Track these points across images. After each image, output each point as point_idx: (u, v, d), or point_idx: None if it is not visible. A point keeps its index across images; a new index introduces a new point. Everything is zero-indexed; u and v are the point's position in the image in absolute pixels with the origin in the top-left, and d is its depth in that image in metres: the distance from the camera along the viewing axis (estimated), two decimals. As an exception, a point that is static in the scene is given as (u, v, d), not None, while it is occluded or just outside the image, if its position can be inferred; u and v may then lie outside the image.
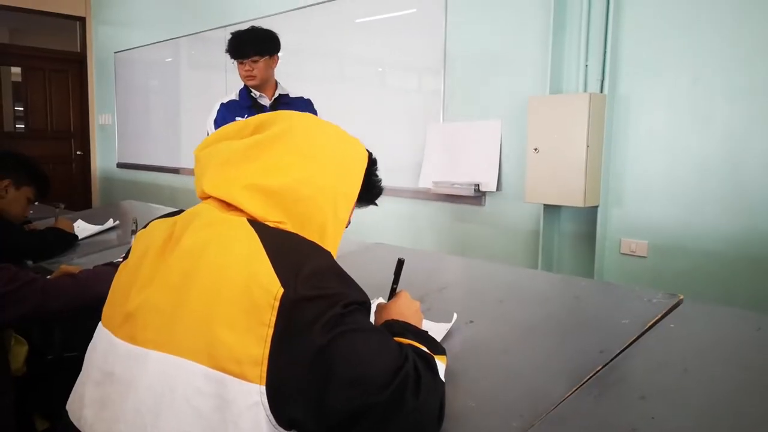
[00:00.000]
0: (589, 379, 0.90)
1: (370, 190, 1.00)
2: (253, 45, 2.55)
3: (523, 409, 0.83)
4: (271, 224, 0.82)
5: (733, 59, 2.46)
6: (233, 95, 2.73)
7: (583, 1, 2.85)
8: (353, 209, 0.97)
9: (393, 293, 1.07)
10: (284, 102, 2.65)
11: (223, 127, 0.94)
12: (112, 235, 2.40)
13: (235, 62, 2.59)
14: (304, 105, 2.70)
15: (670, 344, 1.05)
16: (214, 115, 2.68)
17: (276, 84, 2.71)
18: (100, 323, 0.85)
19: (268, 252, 0.74)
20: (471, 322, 1.15)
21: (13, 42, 6.74)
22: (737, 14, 2.43)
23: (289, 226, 0.83)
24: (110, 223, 2.48)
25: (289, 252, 0.77)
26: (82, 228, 2.38)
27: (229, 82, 4.74)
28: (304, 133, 0.89)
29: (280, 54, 4.73)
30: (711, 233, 2.58)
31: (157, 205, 3.25)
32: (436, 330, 1.09)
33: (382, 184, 1.03)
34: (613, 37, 2.76)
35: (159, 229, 0.87)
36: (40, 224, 2.22)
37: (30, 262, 1.95)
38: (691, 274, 2.64)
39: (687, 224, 2.64)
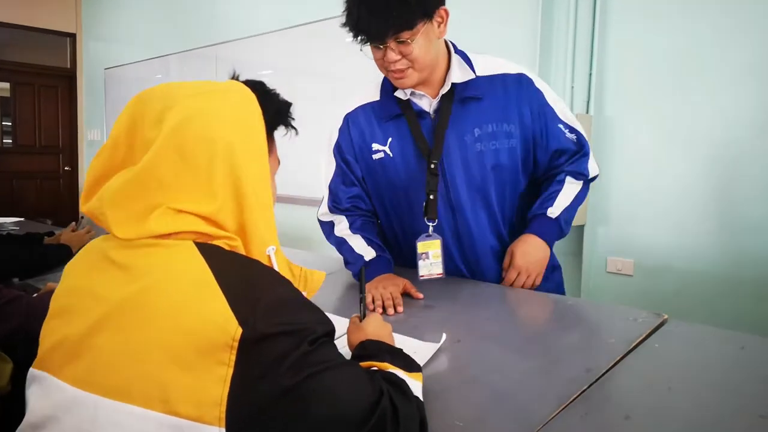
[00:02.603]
0: (576, 398, 0.91)
1: (275, 116, 0.89)
2: (396, 11, 1.29)
3: (511, 428, 0.84)
4: (221, 243, 0.76)
5: (718, 81, 2.51)
6: (371, 92, 1.59)
7: (569, 22, 2.90)
8: (273, 175, 0.90)
9: (362, 301, 1.10)
10: (465, 97, 1.49)
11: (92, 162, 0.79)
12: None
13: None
14: (512, 87, 1.51)
15: (654, 364, 1.06)
16: (334, 139, 1.65)
17: (448, 62, 1.49)
18: (36, 361, 0.78)
19: (222, 285, 0.69)
20: (458, 341, 1.15)
21: (3, 57, 6.73)
22: (722, 37, 2.49)
23: (237, 241, 0.78)
24: None
25: (245, 283, 0.71)
26: None
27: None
28: (187, 131, 0.75)
29: (269, 71, 4.66)
30: (696, 253, 2.61)
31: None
32: (425, 349, 1.09)
33: (281, 98, 0.92)
34: (598, 59, 2.81)
35: (93, 252, 0.80)
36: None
37: (16, 280, 1.94)
38: (677, 293, 2.66)
39: (673, 244, 2.68)
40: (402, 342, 1.12)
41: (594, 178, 1.62)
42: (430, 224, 1.52)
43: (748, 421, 0.84)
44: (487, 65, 1.52)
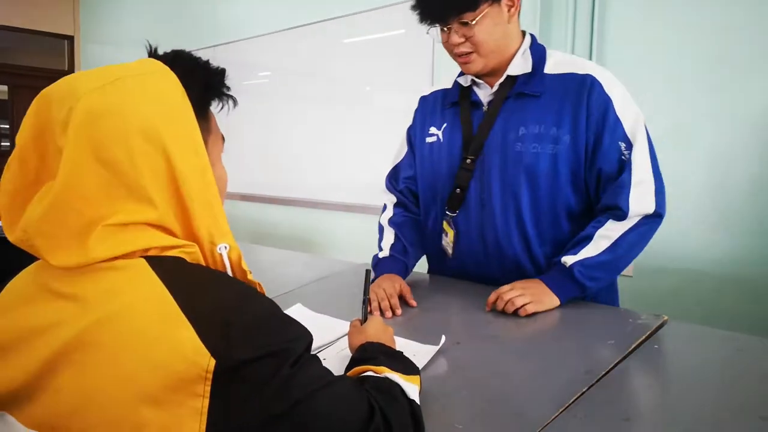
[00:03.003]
0: (575, 400, 0.91)
1: (204, 90, 0.77)
2: None
3: (510, 430, 0.83)
4: (178, 253, 0.69)
5: (716, 81, 2.51)
6: (450, 80, 1.57)
7: (567, 26, 2.91)
8: (219, 157, 0.82)
9: (365, 304, 1.10)
10: (522, 93, 1.41)
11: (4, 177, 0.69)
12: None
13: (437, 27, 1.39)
14: (573, 88, 1.37)
15: (654, 365, 1.06)
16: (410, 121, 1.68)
17: (516, 49, 1.42)
18: None
19: (185, 310, 0.62)
20: (458, 343, 1.15)
21: (1, 60, 6.73)
22: (721, 36, 2.49)
23: (194, 248, 0.71)
24: None
25: (212, 304, 0.64)
26: None
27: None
28: (97, 131, 0.65)
29: (267, 72, 4.65)
30: (696, 254, 2.61)
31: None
32: (424, 352, 1.09)
33: (211, 67, 0.80)
34: (597, 59, 2.81)
35: (28, 284, 0.71)
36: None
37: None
38: (676, 294, 2.66)
39: (672, 244, 2.67)
40: (401, 344, 1.12)
41: (651, 217, 1.36)
42: (449, 213, 1.51)
43: (747, 422, 0.84)
44: (559, 63, 1.41)
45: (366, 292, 1.13)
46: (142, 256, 0.67)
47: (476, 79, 1.46)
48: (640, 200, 1.33)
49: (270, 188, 4.42)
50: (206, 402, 0.60)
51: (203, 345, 0.60)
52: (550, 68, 1.41)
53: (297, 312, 1.36)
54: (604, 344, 1.13)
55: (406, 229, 1.62)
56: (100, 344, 0.62)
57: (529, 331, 1.25)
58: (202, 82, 0.76)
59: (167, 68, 0.73)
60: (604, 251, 1.32)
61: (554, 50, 1.46)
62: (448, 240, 1.54)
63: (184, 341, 0.60)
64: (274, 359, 0.63)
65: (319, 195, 4.06)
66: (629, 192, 1.32)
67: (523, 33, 1.46)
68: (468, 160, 1.45)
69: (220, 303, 0.65)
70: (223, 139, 0.83)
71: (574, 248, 1.35)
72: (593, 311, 1.33)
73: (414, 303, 1.41)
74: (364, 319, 1.07)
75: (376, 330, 1.00)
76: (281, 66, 4.28)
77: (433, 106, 1.59)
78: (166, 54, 0.78)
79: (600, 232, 1.33)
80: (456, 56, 1.40)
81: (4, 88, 6.69)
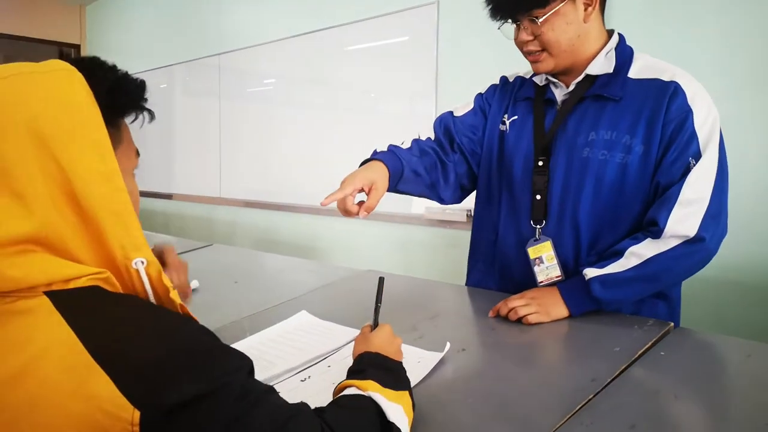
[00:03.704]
0: (581, 408, 0.90)
1: (118, 98, 0.71)
2: None
3: (515, 438, 0.83)
4: (84, 282, 0.61)
5: (721, 88, 2.51)
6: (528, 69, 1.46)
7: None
8: (131, 172, 0.75)
9: (377, 312, 1.09)
10: (599, 95, 1.32)
11: None
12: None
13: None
14: (653, 95, 1.27)
15: (660, 372, 1.05)
16: (482, 90, 1.60)
17: (596, 50, 1.33)
18: None
19: (98, 359, 0.55)
20: (463, 350, 1.15)
21: (8, 68, 6.78)
22: (727, 45, 2.48)
23: (106, 273, 0.63)
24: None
25: (127, 346, 0.57)
26: None
27: (223, 109, 4.77)
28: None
29: (272, 79, 4.67)
30: (701, 259, 2.59)
31: (150, 232, 3.23)
32: (428, 359, 1.09)
33: (130, 78, 0.74)
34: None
35: None
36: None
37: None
38: (683, 299, 2.64)
39: (677, 250, 2.66)
40: (405, 351, 1.11)
41: (692, 242, 1.23)
42: (537, 227, 1.38)
43: (754, 430, 0.83)
44: (646, 68, 1.32)
45: (378, 299, 1.12)
46: (45, 292, 0.59)
47: (551, 78, 1.39)
48: (682, 221, 1.21)
49: (274, 195, 4.43)
50: None
51: (122, 395, 0.54)
52: (634, 72, 1.32)
53: (302, 319, 1.36)
54: (609, 351, 1.12)
55: (426, 158, 1.49)
56: (9, 406, 0.55)
57: (534, 338, 1.24)
58: (112, 87, 0.70)
59: (74, 68, 0.67)
60: (630, 268, 1.24)
61: (643, 54, 1.37)
62: (543, 266, 1.37)
63: (100, 394, 0.54)
64: (211, 398, 0.57)
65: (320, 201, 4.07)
66: (672, 208, 1.21)
67: (611, 32, 1.37)
68: (540, 163, 1.37)
69: (136, 342, 0.58)
70: (138, 153, 0.77)
71: (604, 261, 1.28)
72: (599, 318, 1.33)
73: (365, 214, 1.30)
74: (375, 326, 1.06)
75: (382, 340, 0.97)
76: (285, 73, 4.30)
77: (510, 93, 1.50)
78: (78, 58, 0.71)
79: (633, 248, 1.25)
80: (525, 54, 1.35)
81: (11, 96, 6.74)
